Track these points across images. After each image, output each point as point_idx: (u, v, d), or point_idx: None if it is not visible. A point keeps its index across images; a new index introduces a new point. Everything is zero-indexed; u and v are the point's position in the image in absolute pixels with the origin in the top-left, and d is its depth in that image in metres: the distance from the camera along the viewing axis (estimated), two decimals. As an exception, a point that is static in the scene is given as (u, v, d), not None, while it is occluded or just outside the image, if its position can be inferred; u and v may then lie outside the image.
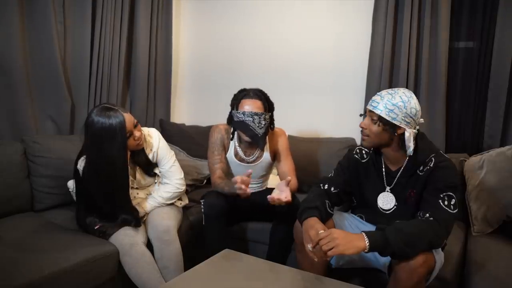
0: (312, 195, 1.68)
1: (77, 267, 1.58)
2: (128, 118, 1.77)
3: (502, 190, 1.99)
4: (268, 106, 2.10)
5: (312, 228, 1.46)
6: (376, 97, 1.56)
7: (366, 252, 1.38)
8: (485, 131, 2.32)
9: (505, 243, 1.90)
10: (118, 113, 1.74)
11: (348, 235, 1.38)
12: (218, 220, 1.96)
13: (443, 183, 1.49)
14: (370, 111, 1.56)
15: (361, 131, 1.61)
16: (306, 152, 2.54)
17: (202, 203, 2.02)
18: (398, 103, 1.50)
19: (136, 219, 1.82)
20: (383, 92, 1.55)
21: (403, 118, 1.50)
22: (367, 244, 1.36)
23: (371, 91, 2.56)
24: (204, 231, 2.01)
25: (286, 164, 2.16)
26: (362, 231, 1.41)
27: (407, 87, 2.45)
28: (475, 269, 1.68)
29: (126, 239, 1.76)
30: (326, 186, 1.72)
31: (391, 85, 2.52)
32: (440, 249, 1.55)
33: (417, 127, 1.58)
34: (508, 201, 1.98)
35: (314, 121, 2.91)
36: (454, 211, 1.46)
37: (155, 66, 3.08)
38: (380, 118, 1.52)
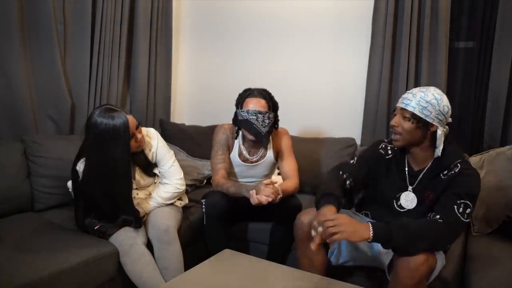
0: (331, 178, 1.69)
1: (77, 267, 1.58)
2: (131, 120, 1.77)
3: (502, 190, 1.99)
4: (273, 105, 2.10)
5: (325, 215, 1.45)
6: (407, 95, 1.55)
7: (369, 242, 1.40)
8: (485, 131, 2.32)
9: (505, 243, 1.90)
10: (121, 114, 1.73)
11: (354, 224, 1.40)
12: (219, 220, 1.97)
13: (464, 189, 1.47)
14: (402, 108, 1.54)
15: (391, 129, 1.59)
16: (306, 152, 2.54)
17: (204, 203, 2.02)
18: (432, 100, 1.49)
19: (137, 220, 1.82)
20: (415, 90, 1.55)
21: (436, 115, 1.50)
22: (371, 234, 1.38)
23: (371, 90, 2.57)
24: (204, 231, 2.01)
25: (288, 163, 2.16)
26: (369, 221, 1.43)
27: (407, 87, 2.45)
28: (475, 269, 1.68)
29: (126, 240, 1.76)
30: (345, 176, 1.70)
31: (391, 84, 2.52)
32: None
33: (447, 127, 1.56)
34: (508, 201, 1.98)
35: (314, 121, 2.91)
36: (466, 220, 1.45)
37: (155, 66, 3.07)
38: (413, 115, 1.51)
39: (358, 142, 2.66)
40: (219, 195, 1.99)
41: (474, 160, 2.14)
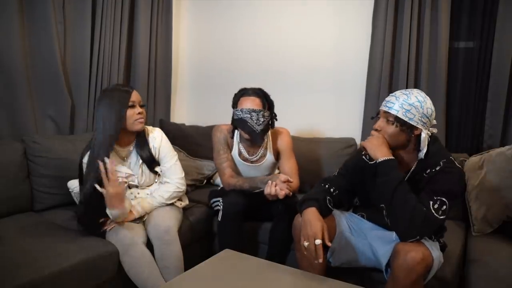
0: (314, 190, 1.70)
1: (77, 267, 1.58)
2: (136, 92, 1.91)
3: (502, 190, 1.99)
4: (268, 104, 2.10)
5: (311, 226, 1.47)
6: (390, 98, 1.53)
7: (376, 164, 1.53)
8: (485, 131, 2.32)
9: (505, 243, 1.90)
10: (127, 87, 1.91)
11: (383, 142, 1.54)
12: (236, 218, 1.98)
13: (441, 187, 1.46)
14: (385, 112, 1.53)
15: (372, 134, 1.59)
16: (306, 152, 2.54)
17: (222, 201, 2.02)
18: (415, 103, 1.48)
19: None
20: (398, 93, 1.53)
21: (420, 118, 1.48)
22: (383, 159, 1.50)
23: (371, 91, 2.56)
24: (219, 228, 2.02)
25: (289, 164, 2.16)
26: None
27: (407, 87, 2.45)
28: (475, 269, 1.68)
29: (126, 239, 1.76)
30: (327, 186, 1.72)
31: (391, 85, 2.52)
32: (438, 248, 1.55)
33: (431, 129, 1.55)
34: (508, 201, 1.98)
35: (314, 121, 2.90)
36: (441, 217, 1.44)
37: (155, 66, 3.07)
38: (397, 119, 1.50)
39: (358, 142, 2.66)
40: (238, 194, 2.00)
41: (474, 160, 2.14)
